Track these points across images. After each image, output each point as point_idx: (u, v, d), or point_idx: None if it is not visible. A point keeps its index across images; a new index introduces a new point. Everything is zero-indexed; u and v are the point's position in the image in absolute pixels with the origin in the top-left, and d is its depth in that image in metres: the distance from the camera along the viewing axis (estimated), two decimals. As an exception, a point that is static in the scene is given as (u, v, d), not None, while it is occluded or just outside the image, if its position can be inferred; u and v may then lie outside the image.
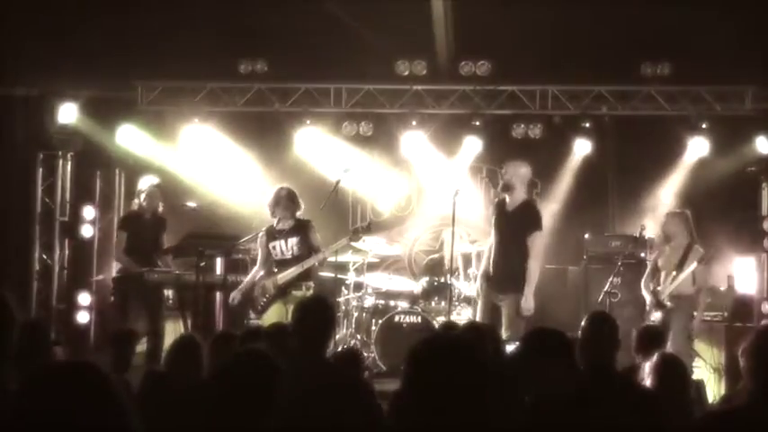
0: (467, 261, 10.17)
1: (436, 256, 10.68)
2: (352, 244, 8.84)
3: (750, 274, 10.21)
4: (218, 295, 9.85)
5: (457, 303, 9.73)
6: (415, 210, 11.73)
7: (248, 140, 11.23)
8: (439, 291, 9.90)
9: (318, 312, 4.65)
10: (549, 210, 10.79)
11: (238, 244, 9.15)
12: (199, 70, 10.64)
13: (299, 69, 10.81)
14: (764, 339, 3.27)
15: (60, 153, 10.96)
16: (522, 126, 10.95)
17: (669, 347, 6.88)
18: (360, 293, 9.95)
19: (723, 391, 8.90)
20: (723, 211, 10.37)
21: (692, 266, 8.46)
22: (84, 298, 10.81)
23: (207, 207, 10.89)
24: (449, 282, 9.38)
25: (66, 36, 10.18)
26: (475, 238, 10.54)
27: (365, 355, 9.06)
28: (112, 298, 9.56)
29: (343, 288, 10.01)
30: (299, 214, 8.47)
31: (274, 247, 8.42)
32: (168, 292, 9.44)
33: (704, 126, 10.46)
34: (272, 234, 8.46)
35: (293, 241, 8.37)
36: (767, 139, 10.34)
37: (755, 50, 9.98)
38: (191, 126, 10.84)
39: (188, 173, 11.09)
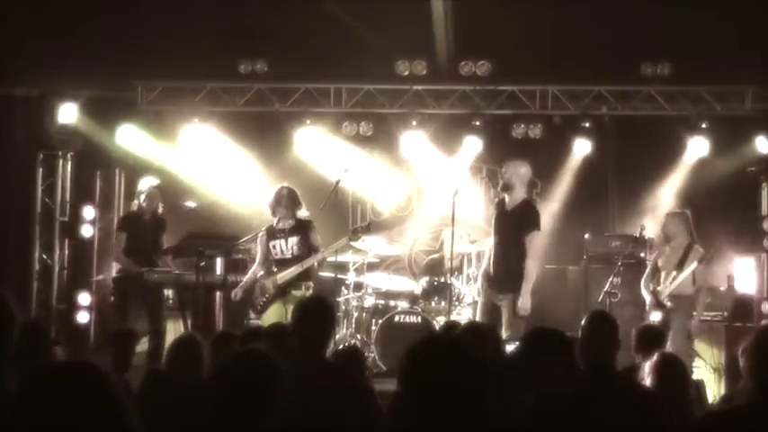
0: (466, 261, 10.18)
1: (436, 256, 10.68)
2: (352, 244, 8.84)
3: (750, 274, 10.20)
4: (218, 295, 9.86)
5: (457, 303, 9.73)
6: (415, 210, 11.73)
7: (248, 140, 11.22)
8: (439, 291, 9.90)
9: (318, 312, 4.65)
10: (549, 210, 10.80)
11: (238, 244, 9.15)
12: (199, 70, 10.65)
13: (299, 69, 10.81)
14: (764, 339, 3.28)
15: (60, 153, 10.96)
16: (522, 126, 10.95)
17: (669, 347, 6.87)
18: (360, 293, 9.95)
19: (723, 391, 8.90)
20: (723, 211, 10.36)
21: (692, 266, 8.46)
22: (84, 298, 10.81)
23: (207, 207, 10.91)
24: (449, 282, 9.38)
25: (67, 36, 10.17)
26: (475, 238, 10.56)
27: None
28: (112, 298, 9.56)
29: (343, 288, 10.00)
30: (301, 214, 8.47)
31: (274, 246, 8.42)
32: (168, 292, 9.44)
33: (704, 126, 10.46)
34: (273, 233, 8.46)
35: (293, 241, 8.37)
36: (767, 139, 10.35)
37: (755, 50, 9.98)
38: (191, 126, 10.84)
39: (188, 173, 11.09)
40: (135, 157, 10.98)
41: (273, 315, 8.13)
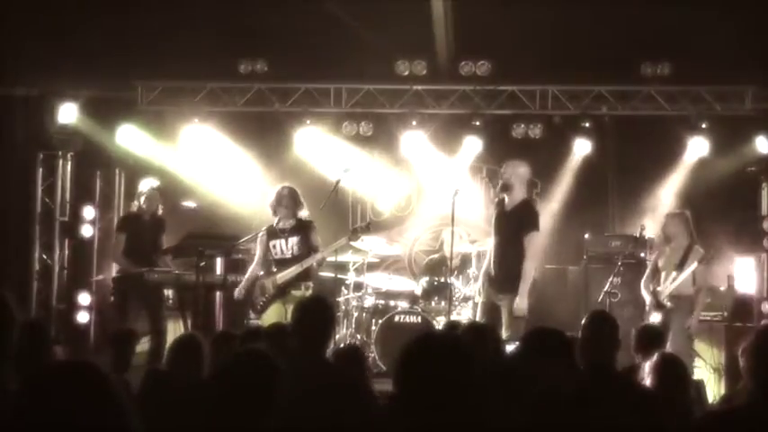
0: (466, 261, 10.18)
1: (436, 256, 10.67)
2: (352, 244, 8.84)
3: (750, 274, 10.20)
4: (218, 295, 9.86)
5: (457, 303, 9.73)
6: (415, 210, 11.73)
7: (248, 140, 11.22)
8: (439, 291, 9.90)
9: (318, 312, 4.65)
10: (549, 209, 10.81)
11: (238, 244, 9.15)
12: (199, 70, 10.65)
13: (299, 69, 10.81)
14: (764, 339, 3.27)
15: (60, 153, 10.96)
16: (522, 126, 10.95)
17: (669, 347, 6.87)
18: (360, 293, 9.95)
19: (723, 391, 8.90)
20: (723, 211, 10.36)
21: (692, 267, 8.46)
22: (84, 298, 10.81)
23: (207, 207, 10.91)
24: (449, 282, 9.38)
25: (67, 36, 10.17)
26: (475, 238, 10.55)
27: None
28: (112, 298, 9.56)
29: (343, 288, 10.00)
30: (302, 214, 8.47)
31: (274, 246, 8.42)
32: (168, 292, 9.44)
33: (704, 126, 10.46)
34: (274, 233, 8.46)
35: (293, 241, 8.37)
36: (767, 139, 10.34)
37: (755, 50, 9.98)
38: (191, 126, 10.84)
39: (188, 173, 11.09)
40: (135, 157, 10.98)
41: (273, 315, 8.13)
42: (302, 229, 8.40)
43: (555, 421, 3.73)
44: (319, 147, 11.01)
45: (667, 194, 10.66)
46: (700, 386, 6.86)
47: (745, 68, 10.20)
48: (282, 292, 8.28)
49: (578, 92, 10.79)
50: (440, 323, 9.27)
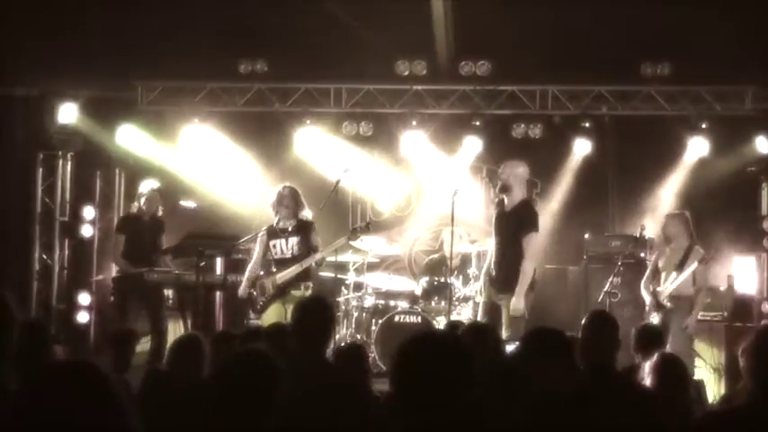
0: (466, 261, 10.18)
1: (436, 256, 10.67)
2: (352, 243, 8.84)
3: (750, 274, 10.21)
4: (218, 295, 9.86)
5: (457, 303, 9.73)
6: (415, 209, 11.73)
7: (248, 140, 11.22)
8: (439, 291, 9.89)
9: (317, 312, 4.65)
10: (549, 209, 10.81)
11: (238, 244, 9.15)
12: (199, 70, 10.65)
13: (299, 69, 10.81)
14: (764, 339, 3.27)
15: (60, 153, 10.96)
16: (522, 126, 10.95)
17: (669, 348, 6.87)
18: (360, 293, 9.95)
19: (723, 391, 8.90)
20: (723, 211, 10.36)
21: (692, 267, 8.45)
22: (84, 298, 10.81)
23: (207, 207, 10.91)
24: (449, 282, 9.37)
25: (67, 36, 10.18)
26: (475, 238, 10.55)
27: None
28: (112, 298, 9.56)
29: (343, 288, 10.01)
30: (305, 214, 8.46)
31: (274, 246, 8.42)
32: (168, 292, 9.44)
33: (704, 126, 10.46)
34: (274, 232, 8.46)
35: (294, 241, 8.37)
36: (767, 139, 10.34)
37: (755, 50, 9.98)
38: (191, 126, 10.84)
39: (188, 173, 11.09)
40: (135, 157, 10.98)
41: (273, 315, 8.13)
42: (302, 229, 8.40)
43: (555, 421, 3.73)
44: (319, 147, 11.01)
45: (667, 194, 10.65)
46: (700, 386, 6.85)
47: (745, 68, 10.20)
48: (282, 292, 8.28)
49: (578, 92, 10.79)
50: (440, 323, 9.26)
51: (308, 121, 10.86)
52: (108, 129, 10.86)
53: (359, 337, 9.73)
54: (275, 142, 11.18)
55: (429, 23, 10.10)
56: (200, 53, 10.28)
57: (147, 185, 9.36)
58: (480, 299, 8.40)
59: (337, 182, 9.16)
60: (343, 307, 9.86)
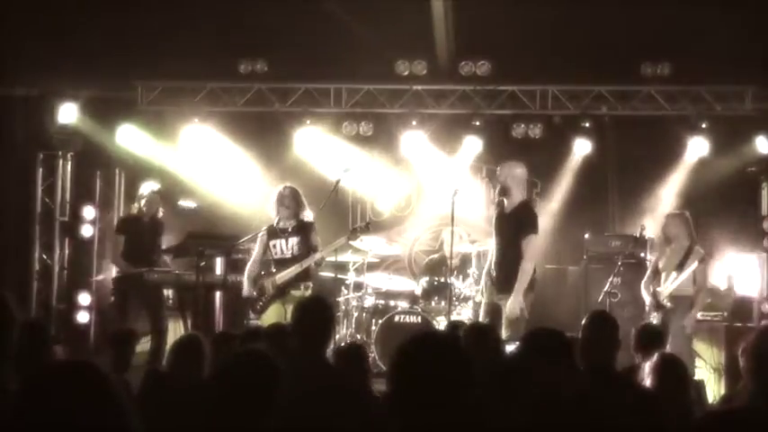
0: (466, 261, 10.18)
1: (436, 256, 10.67)
2: (351, 243, 8.84)
3: (750, 274, 10.21)
4: (218, 295, 9.86)
5: (457, 303, 9.73)
6: (415, 209, 11.73)
7: (248, 140, 11.22)
8: (439, 291, 9.89)
9: (317, 312, 4.65)
10: (549, 209, 10.81)
11: (238, 244, 9.15)
12: (199, 70, 10.65)
13: (299, 69, 10.81)
14: (764, 339, 3.28)
15: (60, 153, 10.96)
16: (522, 126, 10.94)
17: (669, 348, 6.87)
18: (360, 293, 9.95)
19: (723, 391, 8.90)
20: (723, 211, 10.37)
21: (692, 267, 8.45)
22: (84, 298, 10.81)
23: (207, 207, 10.91)
24: (449, 282, 9.37)
25: (67, 36, 10.18)
26: (475, 238, 10.54)
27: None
28: (112, 298, 9.56)
29: (343, 288, 10.01)
30: (306, 215, 8.46)
31: (274, 246, 8.42)
32: (168, 292, 9.44)
33: (704, 126, 10.46)
34: (274, 232, 8.45)
35: (294, 241, 8.36)
36: (767, 139, 10.35)
37: (755, 50, 9.98)
38: (191, 126, 10.84)
39: (188, 173, 11.09)
40: (135, 157, 10.98)
41: (273, 315, 8.12)
42: (302, 229, 8.40)
43: (555, 421, 3.73)
44: (319, 147, 11.01)
45: (667, 194, 10.65)
46: (700, 386, 6.86)
47: (745, 68, 10.21)
48: (282, 292, 8.27)
49: (578, 92, 10.79)
50: (440, 323, 9.27)
51: (308, 121, 10.86)
52: (108, 129, 10.86)
53: (359, 337, 9.73)
54: (275, 142, 11.18)
55: (429, 23, 10.10)
56: (200, 53, 10.28)
57: (147, 187, 9.35)
58: (481, 299, 8.40)
59: (337, 182, 9.15)
60: (343, 307, 9.86)
